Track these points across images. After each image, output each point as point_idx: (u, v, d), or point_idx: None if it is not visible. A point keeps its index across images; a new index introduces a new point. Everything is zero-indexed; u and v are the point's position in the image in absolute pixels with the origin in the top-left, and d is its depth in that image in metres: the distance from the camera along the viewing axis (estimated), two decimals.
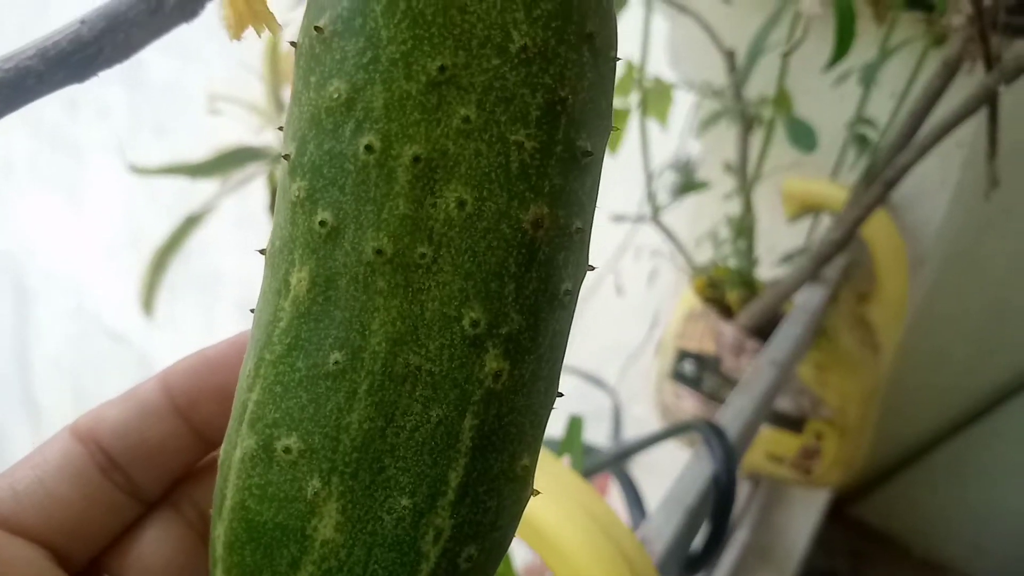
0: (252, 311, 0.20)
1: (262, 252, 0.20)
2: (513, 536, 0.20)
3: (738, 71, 0.78)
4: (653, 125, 1.01)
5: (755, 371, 0.68)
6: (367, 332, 0.18)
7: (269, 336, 0.19)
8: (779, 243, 0.96)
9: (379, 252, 0.18)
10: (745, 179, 0.86)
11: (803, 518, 1.21)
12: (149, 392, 0.23)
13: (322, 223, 0.18)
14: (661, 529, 0.50)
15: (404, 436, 0.18)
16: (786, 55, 0.60)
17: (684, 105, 1.04)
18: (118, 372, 3.07)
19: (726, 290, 0.94)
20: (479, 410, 0.18)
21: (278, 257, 0.19)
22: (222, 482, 0.19)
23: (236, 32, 0.19)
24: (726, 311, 0.93)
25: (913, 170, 0.68)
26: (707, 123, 1.04)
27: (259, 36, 0.19)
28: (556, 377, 0.20)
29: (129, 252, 2.87)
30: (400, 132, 0.18)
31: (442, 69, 0.18)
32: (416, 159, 0.18)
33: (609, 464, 0.66)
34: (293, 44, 0.20)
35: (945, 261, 1.38)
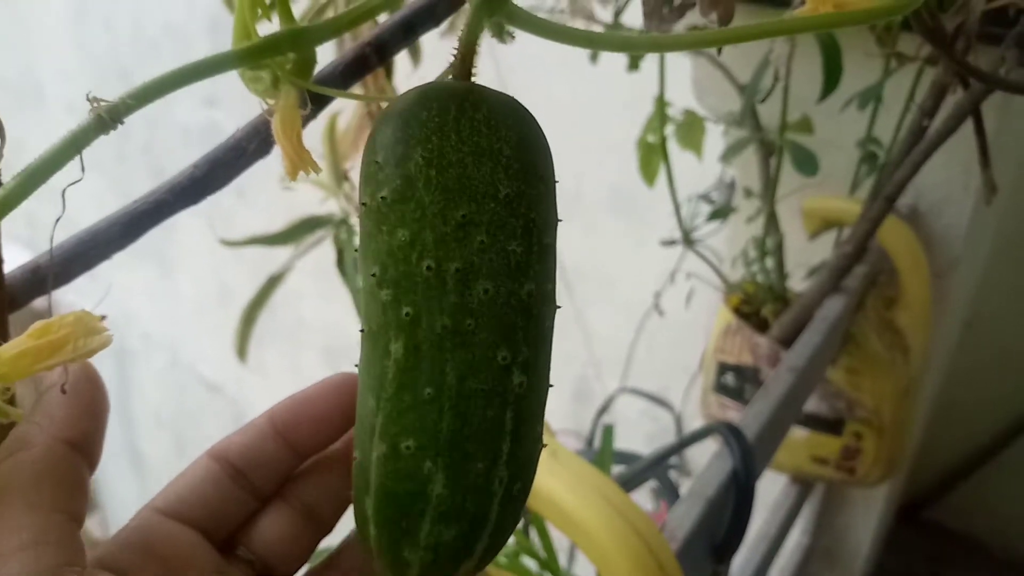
0: (356, 366, 0.33)
1: (361, 331, 0.32)
2: (535, 472, 0.33)
3: (751, 103, 0.85)
4: (683, 156, 1.09)
5: (775, 377, 0.74)
6: (444, 373, 0.30)
7: (382, 383, 0.30)
8: (810, 258, 1.03)
9: (444, 327, 0.30)
10: (767, 201, 0.93)
11: (864, 519, 1.25)
12: (261, 424, 0.35)
13: (407, 314, 0.30)
14: (683, 519, 0.57)
15: (474, 429, 0.30)
16: (762, 102, 0.68)
17: (714, 135, 1.12)
18: (214, 420, 3.26)
19: (761, 305, 1.01)
20: (514, 406, 0.30)
21: (378, 334, 0.31)
22: (364, 472, 0.31)
23: (292, 175, 0.29)
24: (762, 324, 1.00)
25: (927, 181, 0.73)
26: (732, 151, 1.11)
27: (307, 175, 0.30)
28: (548, 375, 0.33)
29: (218, 309, 3.06)
30: (445, 256, 0.29)
31: (464, 216, 0.30)
32: (457, 270, 0.30)
33: (649, 468, 0.74)
34: (364, 204, 0.32)
35: (992, 260, 1.40)
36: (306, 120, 0.28)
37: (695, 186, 1.22)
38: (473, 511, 0.30)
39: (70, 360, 0.25)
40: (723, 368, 1.02)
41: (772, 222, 0.94)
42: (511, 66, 1.80)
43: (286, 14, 0.27)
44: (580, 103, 1.88)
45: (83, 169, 0.26)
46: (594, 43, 0.34)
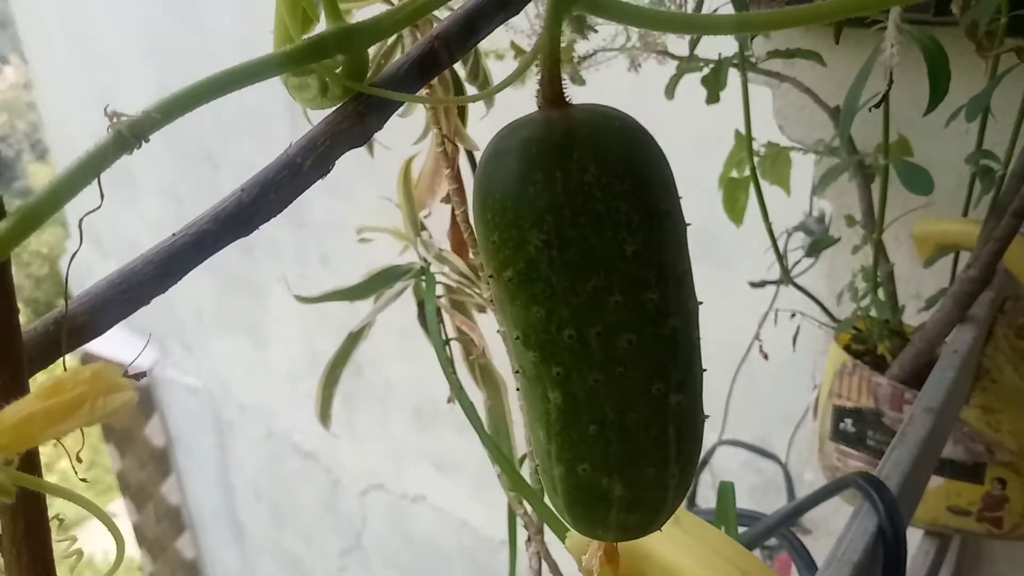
0: (517, 390, 0.35)
1: (516, 372, 0.34)
2: (702, 441, 0.35)
3: (846, 130, 0.79)
4: (768, 192, 1.02)
5: (910, 420, 0.66)
6: (604, 413, 0.31)
7: (548, 420, 0.33)
8: (924, 288, 0.94)
9: (596, 380, 0.31)
10: (873, 228, 0.86)
11: None
12: None
13: (558, 373, 0.31)
14: None
15: (642, 447, 0.32)
16: (876, 107, 0.62)
17: (801, 167, 1.05)
18: (310, 488, 3.27)
19: (875, 342, 0.92)
20: (674, 421, 0.32)
21: (535, 383, 0.33)
22: (552, 482, 0.34)
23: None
24: (879, 363, 0.91)
25: None
26: (826, 180, 1.04)
27: None
28: (700, 363, 0.34)
29: (309, 376, 3.10)
30: (584, 323, 0.30)
31: (594, 286, 0.30)
32: (598, 334, 0.30)
33: (773, 530, 0.66)
34: (491, 276, 0.32)
35: None
36: (371, 133, 0.25)
37: (782, 224, 1.15)
38: (652, 500, 0.33)
39: (87, 424, 0.21)
40: (840, 413, 0.93)
41: (881, 250, 0.87)
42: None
43: (333, 11, 0.24)
44: (657, 140, 1.84)
45: (102, 196, 0.23)
46: (692, 27, 0.30)
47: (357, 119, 0.25)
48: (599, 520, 0.34)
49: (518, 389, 0.34)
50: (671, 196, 0.31)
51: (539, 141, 0.29)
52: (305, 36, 0.24)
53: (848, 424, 0.92)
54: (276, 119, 2.52)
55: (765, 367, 1.56)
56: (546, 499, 0.37)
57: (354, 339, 0.65)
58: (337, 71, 0.25)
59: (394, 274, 0.64)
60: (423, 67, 0.26)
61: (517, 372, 0.33)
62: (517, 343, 0.32)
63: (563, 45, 1.04)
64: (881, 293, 0.89)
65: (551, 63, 0.27)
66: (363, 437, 2.94)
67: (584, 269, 0.29)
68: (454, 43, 0.27)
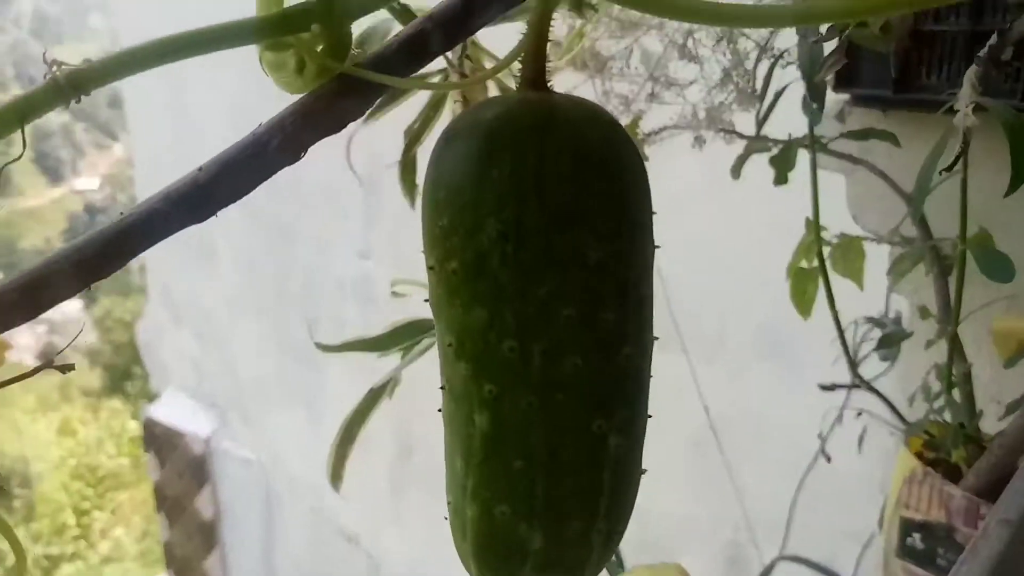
0: (439, 410, 0.31)
1: (442, 387, 0.30)
2: (634, 500, 0.31)
3: (920, 210, 0.74)
4: (840, 286, 0.97)
5: (983, 533, 0.59)
6: (534, 446, 0.28)
7: (469, 448, 0.29)
8: (1005, 391, 0.86)
9: (531, 405, 0.27)
10: (950, 322, 0.79)
11: None
12: None
13: (490, 391, 0.28)
14: None
15: (570, 493, 0.28)
16: (948, 171, 0.57)
17: (874, 258, 1.00)
18: (351, 572, 3.18)
19: (950, 449, 0.84)
20: (611, 466, 0.29)
21: (461, 401, 0.29)
22: (462, 523, 0.30)
23: None
24: (953, 472, 0.83)
25: None
26: (900, 271, 0.98)
27: None
28: (646, 409, 0.31)
29: (360, 456, 3.06)
30: (528, 336, 0.27)
31: (548, 293, 0.26)
32: (543, 350, 0.27)
33: None
34: (431, 268, 0.28)
35: None
36: (348, 118, 0.22)
37: (849, 318, 1.08)
38: (572, 560, 0.29)
39: None
40: (908, 526, 0.84)
41: (956, 347, 0.80)
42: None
43: None
44: (723, 236, 1.80)
45: (24, 145, 0.20)
46: (722, 18, 0.27)
47: (332, 99, 0.23)
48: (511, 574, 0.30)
49: (440, 410, 0.30)
50: (647, 210, 0.28)
51: (513, 119, 0.25)
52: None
53: (916, 539, 0.83)
54: (348, 194, 2.58)
55: (833, 477, 1.45)
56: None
57: (375, 396, 0.62)
58: (318, 49, 0.23)
59: (418, 328, 0.61)
60: (413, 50, 0.24)
61: (443, 388, 0.29)
62: (449, 351, 0.28)
63: (628, 122, 1.03)
64: (957, 394, 0.82)
65: (537, 39, 0.24)
66: (408, 524, 2.87)
67: (540, 271, 0.26)
68: (449, 27, 0.24)
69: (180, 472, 3.73)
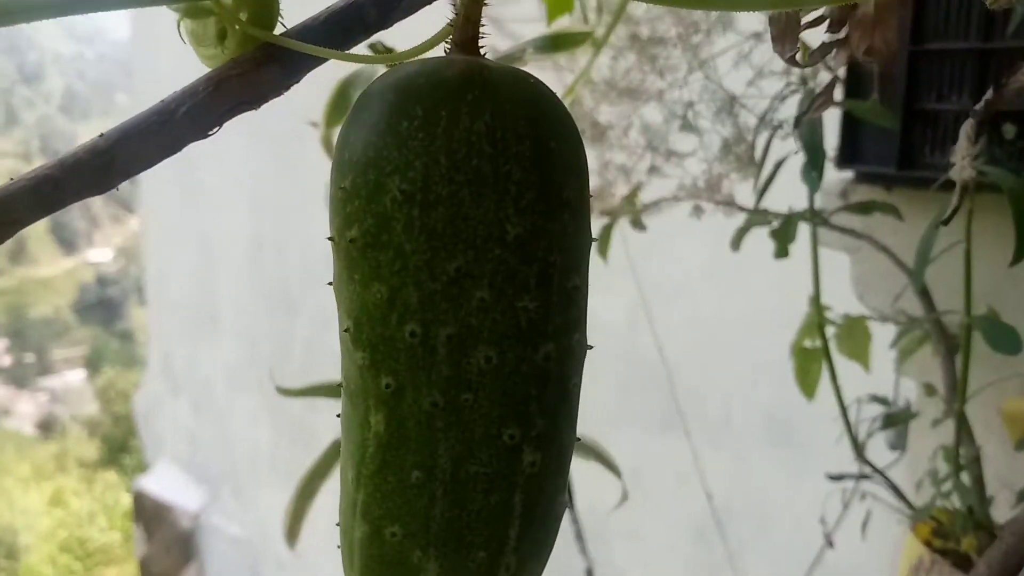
0: (338, 416, 0.27)
1: (339, 385, 0.26)
2: (555, 539, 0.27)
3: (921, 277, 0.72)
4: (846, 369, 0.94)
5: None
6: (436, 455, 0.24)
7: (363, 456, 0.25)
8: (1016, 476, 0.82)
9: (434, 404, 0.24)
10: (956, 401, 0.76)
11: None
12: None
13: (387, 385, 0.24)
14: None
15: (474, 516, 0.24)
16: (945, 224, 0.55)
17: (882, 340, 0.97)
18: None
19: (959, 536, 0.79)
20: (524, 488, 0.25)
21: (356, 398, 0.25)
22: (350, 547, 0.26)
23: None
24: (962, 561, 0.78)
25: None
26: (907, 352, 0.95)
27: None
28: (574, 434, 0.27)
29: None
30: (434, 319, 0.24)
31: (458, 269, 0.23)
32: (449, 337, 0.24)
33: None
34: (331, 239, 0.25)
35: None
36: (269, 91, 0.20)
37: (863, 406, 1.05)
38: None
39: None
40: None
41: (964, 426, 0.76)
42: (652, 279, 1.75)
43: None
44: (729, 320, 1.77)
45: None
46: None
47: (251, 68, 0.21)
48: None
49: (339, 416, 0.27)
50: (578, 187, 0.25)
51: (431, 75, 0.23)
52: None
53: None
54: None
55: (840, 567, 1.38)
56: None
57: (336, 450, 0.58)
58: (241, 16, 0.21)
59: None
60: (345, 25, 0.22)
61: (340, 386, 0.26)
62: (346, 338, 0.25)
63: (626, 195, 1.02)
64: (966, 478, 0.78)
65: (474, 2, 0.23)
66: None
67: (449, 243, 0.23)
68: (384, 3, 0.22)
69: (167, 547, 3.62)
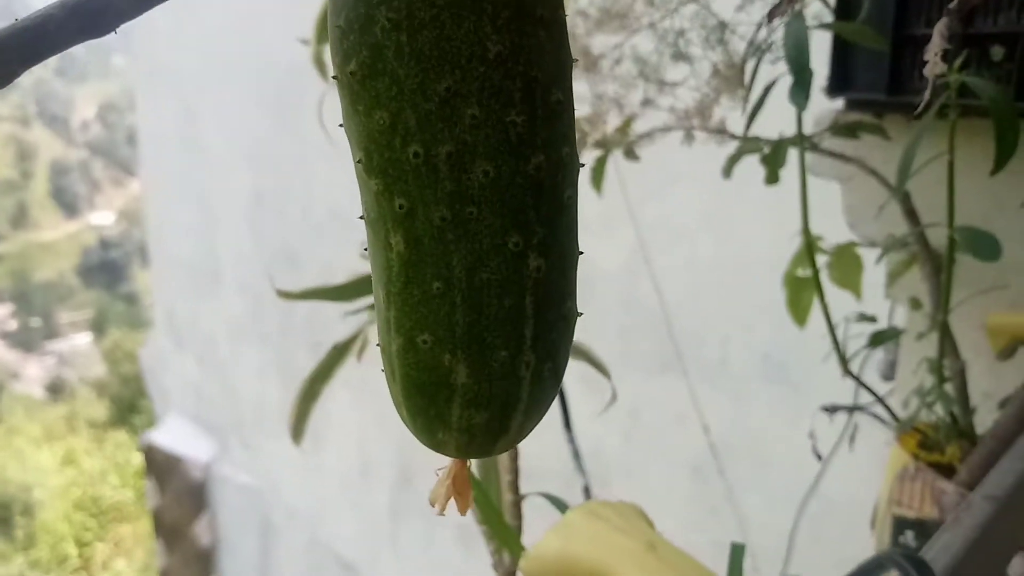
0: (365, 250, 0.30)
1: (361, 219, 0.29)
2: (570, 344, 0.30)
3: (903, 185, 0.73)
4: (837, 297, 0.95)
5: (966, 506, 0.57)
6: (451, 266, 0.27)
7: (389, 276, 0.28)
8: (999, 387, 0.84)
9: (443, 219, 0.27)
10: (940, 311, 0.78)
11: None
12: None
13: (400, 206, 0.27)
14: None
15: (492, 319, 0.27)
16: (917, 117, 0.56)
17: (875, 271, 0.98)
18: None
19: (944, 444, 0.82)
20: (533, 291, 0.28)
21: (377, 225, 0.28)
22: (389, 361, 0.29)
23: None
24: (946, 470, 0.81)
25: None
26: (895, 275, 0.97)
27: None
28: (575, 244, 0.30)
29: (359, 485, 3.03)
30: (432, 138, 0.26)
31: (448, 88, 0.26)
32: (449, 155, 0.26)
33: None
34: (335, 78, 0.28)
35: None
36: None
37: (853, 336, 1.07)
38: (502, 396, 0.28)
39: None
40: (900, 524, 0.82)
41: (948, 338, 0.78)
42: (650, 225, 1.76)
43: None
44: (726, 263, 1.79)
45: None
46: None
47: None
48: (440, 416, 0.29)
49: (365, 249, 0.30)
50: (552, 6, 0.27)
51: None
52: None
53: (910, 537, 0.80)
54: (356, 220, 2.59)
55: (835, 504, 1.41)
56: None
57: (340, 352, 0.61)
58: None
59: None
60: None
61: (362, 218, 0.29)
62: (360, 169, 0.27)
63: (619, 126, 1.03)
64: (949, 389, 0.80)
65: None
66: (405, 550, 2.82)
67: (437, 64, 0.25)
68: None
69: (179, 498, 3.69)
